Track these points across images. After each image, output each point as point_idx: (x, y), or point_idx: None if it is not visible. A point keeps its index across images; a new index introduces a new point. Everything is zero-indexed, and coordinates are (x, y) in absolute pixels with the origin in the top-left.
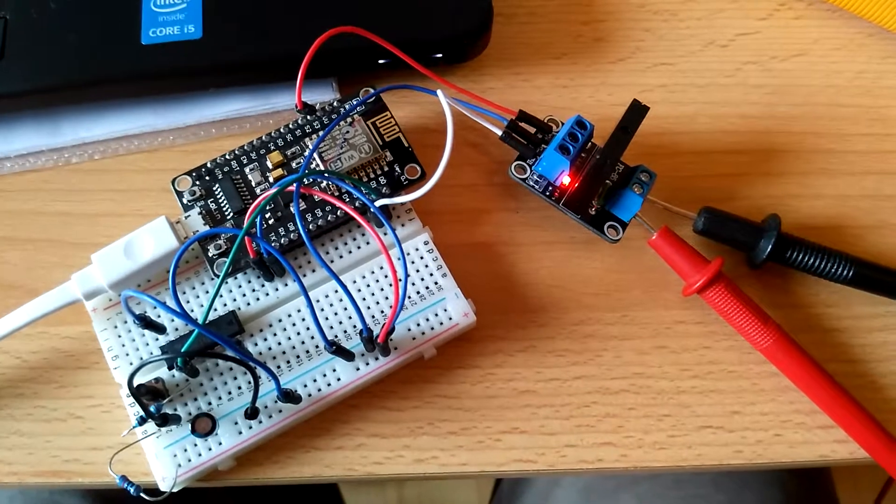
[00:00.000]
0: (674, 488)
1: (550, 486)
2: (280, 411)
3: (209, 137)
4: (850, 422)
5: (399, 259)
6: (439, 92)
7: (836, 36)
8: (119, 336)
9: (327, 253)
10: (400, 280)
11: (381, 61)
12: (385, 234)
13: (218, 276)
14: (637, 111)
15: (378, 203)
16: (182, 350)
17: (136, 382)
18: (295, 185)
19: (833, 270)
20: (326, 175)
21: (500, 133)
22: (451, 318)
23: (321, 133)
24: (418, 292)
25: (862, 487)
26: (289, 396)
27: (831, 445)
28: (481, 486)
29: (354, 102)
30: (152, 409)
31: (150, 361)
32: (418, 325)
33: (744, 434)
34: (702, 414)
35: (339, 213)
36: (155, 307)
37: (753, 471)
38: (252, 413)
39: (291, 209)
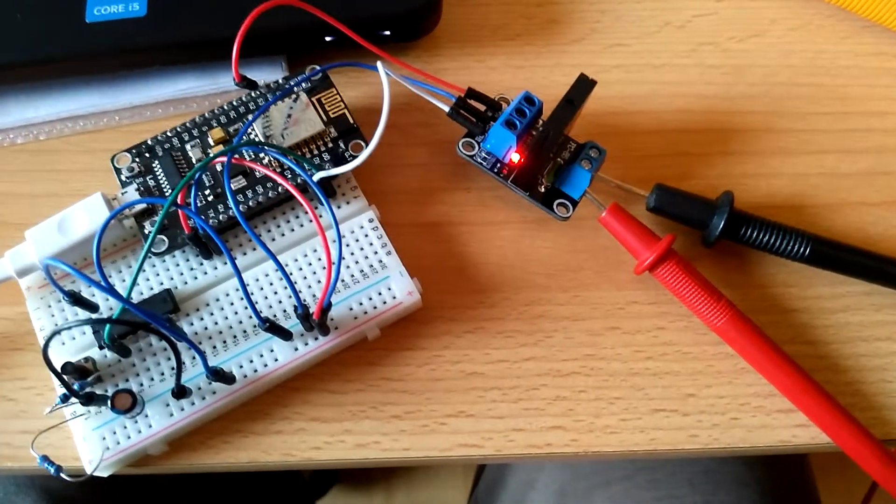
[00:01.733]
0: (648, 489)
1: (525, 488)
2: (213, 392)
3: (156, 117)
4: (810, 406)
5: (337, 237)
6: (379, 64)
7: (793, 17)
8: (52, 315)
9: (269, 231)
10: (332, 254)
11: (327, 38)
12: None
13: (153, 253)
14: (584, 84)
15: (316, 176)
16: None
17: (64, 360)
18: (227, 157)
19: (790, 248)
20: (263, 147)
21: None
22: (394, 297)
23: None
24: (361, 270)
25: (849, 490)
26: (220, 376)
27: (791, 430)
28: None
29: (298, 78)
30: (76, 386)
31: (65, 327)
32: (360, 303)
33: (699, 418)
34: (655, 397)
35: (280, 189)
36: (89, 285)
37: (726, 464)
38: (179, 392)
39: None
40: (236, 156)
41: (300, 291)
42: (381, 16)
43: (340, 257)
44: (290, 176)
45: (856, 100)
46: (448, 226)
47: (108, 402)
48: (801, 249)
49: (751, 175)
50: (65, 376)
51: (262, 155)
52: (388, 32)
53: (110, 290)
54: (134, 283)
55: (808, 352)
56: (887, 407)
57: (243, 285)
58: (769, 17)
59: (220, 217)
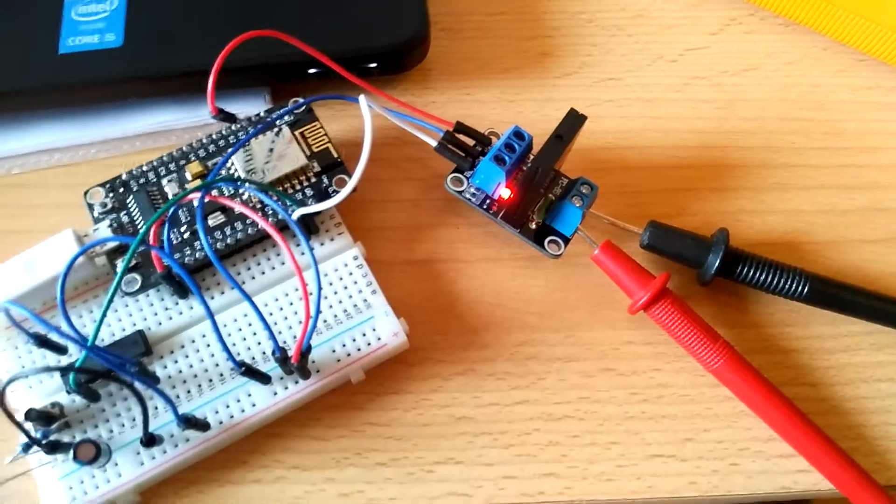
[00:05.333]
0: None
1: None
2: (187, 440)
3: (134, 150)
4: (811, 450)
5: (323, 275)
6: (361, 98)
7: (788, 50)
8: (19, 357)
9: (248, 269)
10: (311, 294)
11: (311, 71)
12: (310, 249)
13: (125, 293)
14: (574, 119)
15: (296, 213)
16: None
17: (29, 406)
18: (201, 192)
19: (787, 287)
20: (240, 183)
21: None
22: (379, 339)
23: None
24: (345, 310)
25: None
26: (192, 423)
27: (793, 476)
28: None
29: (281, 111)
30: (39, 434)
31: (21, 376)
32: (343, 345)
33: (698, 464)
34: (652, 442)
35: (260, 226)
36: (48, 331)
37: None
38: (148, 441)
39: (208, 222)
40: (213, 192)
41: (280, 332)
42: (367, 49)
43: (320, 299)
44: (270, 212)
45: (852, 134)
46: (437, 263)
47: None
48: (800, 288)
49: (746, 211)
50: (28, 423)
51: (241, 190)
52: (374, 65)
53: (69, 335)
54: (100, 326)
55: (809, 394)
56: (891, 451)
57: (216, 329)
58: (763, 51)
59: (197, 255)
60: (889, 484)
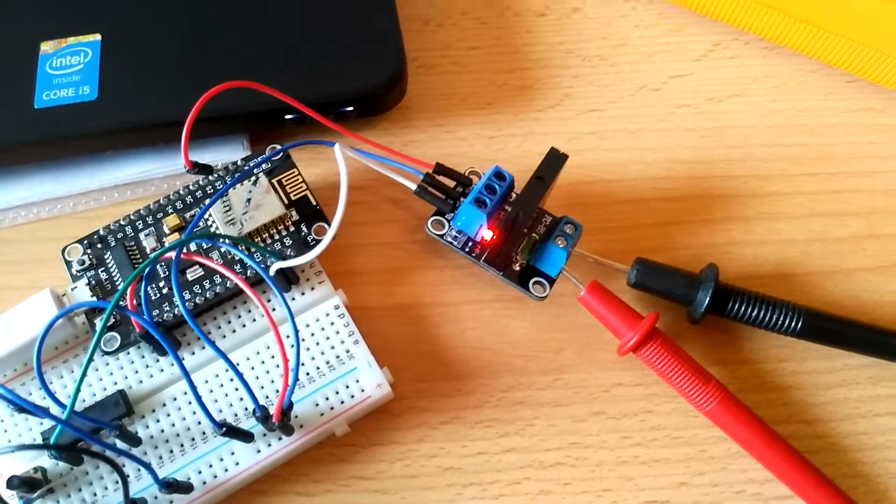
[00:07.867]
0: None
1: None
2: (171, 502)
3: (112, 202)
4: (809, 491)
5: (301, 328)
6: (336, 147)
7: (774, 74)
8: (2, 420)
9: (229, 322)
10: (289, 353)
11: (287, 117)
12: (292, 299)
13: (104, 352)
14: (554, 159)
15: (273, 268)
16: (52, 442)
17: (12, 473)
18: (175, 251)
19: (780, 322)
20: (215, 239)
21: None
22: (363, 391)
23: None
24: (327, 362)
25: None
26: (173, 487)
27: None
28: None
29: (258, 160)
30: (21, 502)
31: None
32: (326, 398)
33: None
34: (646, 487)
35: None
36: (18, 403)
37: None
38: None
39: (187, 276)
40: (190, 248)
41: (262, 387)
42: (343, 93)
43: (299, 355)
44: (248, 265)
45: (842, 159)
46: (420, 307)
47: None
48: (793, 324)
49: (736, 243)
50: (10, 492)
51: (219, 245)
52: (350, 108)
53: (43, 411)
54: (75, 398)
55: (805, 432)
56: (892, 489)
57: (195, 391)
58: (749, 76)
59: (176, 311)
60: None
